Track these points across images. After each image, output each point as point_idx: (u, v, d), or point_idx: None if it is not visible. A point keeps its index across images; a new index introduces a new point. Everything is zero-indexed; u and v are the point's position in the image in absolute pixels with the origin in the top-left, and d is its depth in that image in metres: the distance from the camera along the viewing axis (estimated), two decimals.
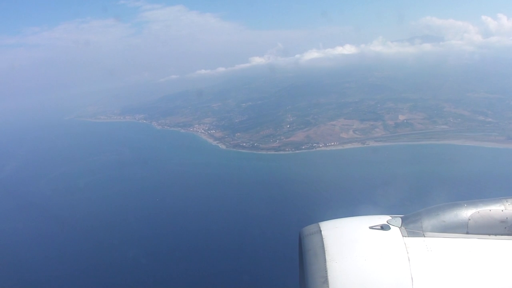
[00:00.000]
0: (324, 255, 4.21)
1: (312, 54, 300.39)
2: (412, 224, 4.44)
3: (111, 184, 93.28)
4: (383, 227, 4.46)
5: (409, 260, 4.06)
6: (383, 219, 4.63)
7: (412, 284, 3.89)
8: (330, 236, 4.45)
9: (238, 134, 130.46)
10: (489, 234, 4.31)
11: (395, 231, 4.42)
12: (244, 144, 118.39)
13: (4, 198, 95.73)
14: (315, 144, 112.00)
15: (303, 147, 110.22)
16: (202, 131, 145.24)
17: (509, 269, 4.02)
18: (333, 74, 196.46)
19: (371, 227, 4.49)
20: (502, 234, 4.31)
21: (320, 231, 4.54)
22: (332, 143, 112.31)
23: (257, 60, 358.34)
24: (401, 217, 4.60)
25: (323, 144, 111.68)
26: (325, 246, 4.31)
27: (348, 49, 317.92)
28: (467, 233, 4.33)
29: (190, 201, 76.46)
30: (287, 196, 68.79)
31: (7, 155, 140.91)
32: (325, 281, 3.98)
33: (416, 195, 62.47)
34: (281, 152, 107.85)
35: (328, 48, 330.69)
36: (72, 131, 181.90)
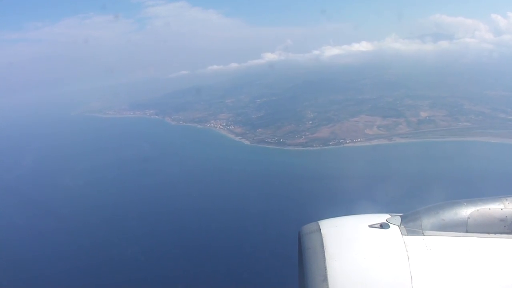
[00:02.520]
0: (324, 254, 4.19)
1: (333, 51, 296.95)
2: (411, 222, 4.43)
3: (142, 178, 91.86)
4: (383, 226, 4.44)
5: (408, 258, 4.06)
6: (382, 217, 4.61)
7: (412, 283, 3.88)
8: (329, 234, 4.43)
9: (260, 129, 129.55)
10: (489, 233, 4.31)
11: (394, 229, 4.41)
12: (269, 139, 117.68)
13: (31, 192, 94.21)
14: (341, 140, 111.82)
15: (331, 143, 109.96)
16: (221, 126, 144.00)
17: (508, 267, 4.01)
18: (346, 71, 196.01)
19: (370, 226, 4.46)
20: (501, 233, 4.30)
21: (320, 229, 4.51)
22: (359, 139, 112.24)
23: (270, 56, 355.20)
24: (400, 216, 4.59)
25: (350, 140, 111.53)
26: (325, 244, 4.28)
27: (364, 46, 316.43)
28: (467, 231, 4.32)
29: (229, 198, 75.04)
30: (332, 193, 67.84)
31: (22, 151, 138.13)
32: (325, 279, 3.97)
33: (465, 191, 62.38)
34: (309, 148, 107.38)
35: (344, 45, 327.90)
36: (83, 126, 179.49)
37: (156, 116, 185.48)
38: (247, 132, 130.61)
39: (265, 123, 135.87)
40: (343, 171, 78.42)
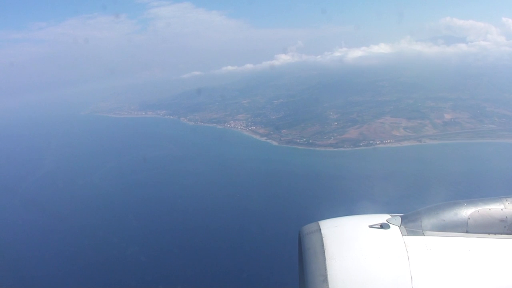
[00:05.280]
0: (324, 254, 4.21)
1: (357, 53, 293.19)
2: (411, 223, 4.46)
3: (179, 179, 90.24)
4: (383, 226, 4.47)
5: (408, 259, 4.08)
6: (382, 218, 4.65)
7: (412, 283, 3.91)
8: (329, 234, 4.46)
9: (284, 130, 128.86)
10: (489, 233, 4.34)
11: (394, 230, 4.43)
12: (298, 140, 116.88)
13: (63, 191, 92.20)
14: (371, 141, 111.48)
15: (361, 144, 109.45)
16: (242, 127, 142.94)
17: (509, 268, 4.04)
18: (361, 72, 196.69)
19: (370, 226, 4.50)
20: (501, 233, 4.33)
21: (320, 229, 4.54)
22: (388, 141, 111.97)
23: (284, 58, 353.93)
24: (400, 216, 4.63)
25: (379, 141, 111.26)
26: (325, 244, 4.31)
27: (383, 48, 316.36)
28: (467, 232, 4.34)
29: (277, 200, 72.84)
30: (384, 193, 66.99)
31: (40, 151, 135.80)
32: (325, 279, 3.99)
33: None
34: (341, 149, 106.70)
35: (363, 47, 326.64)
36: (98, 126, 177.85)
37: (170, 117, 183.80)
38: (272, 132, 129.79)
39: (288, 124, 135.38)
40: (389, 171, 78.09)
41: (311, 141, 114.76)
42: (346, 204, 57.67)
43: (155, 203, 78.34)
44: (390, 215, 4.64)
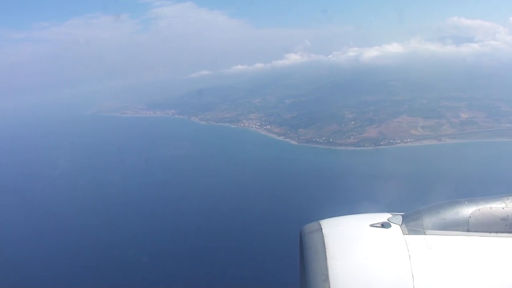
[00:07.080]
0: (325, 253, 4.22)
1: (372, 52, 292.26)
2: (412, 222, 4.47)
3: (203, 178, 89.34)
4: (384, 225, 4.48)
5: (409, 257, 4.09)
6: (383, 217, 4.66)
7: (413, 282, 3.92)
8: (331, 234, 4.47)
9: (301, 130, 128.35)
10: (490, 232, 4.34)
11: (395, 229, 4.45)
12: (317, 139, 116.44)
13: (90, 191, 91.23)
14: (391, 140, 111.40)
15: (382, 143, 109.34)
16: (256, 126, 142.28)
17: (510, 266, 4.04)
18: (370, 72, 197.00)
19: (371, 225, 4.51)
20: (503, 232, 4.33)
21: (321, 229, 4.55)
22: (408, 140, 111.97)
23: (294, 57, 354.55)
24: (401, 215, 4.64)
25: (400, 141, 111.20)
26: (326, 244, 4.32)
27: (395, 48, 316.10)
28: (468, 230, 4.35)
29: (310, 200, 72.01)
30: (421, 191, 66.62)
31: (53, 151, 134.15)
32: (326, 279, 4.00)
33: None
34: (363, 148, 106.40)
35: (376, 46, 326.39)
36: (107, 125, 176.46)
37: (180, 116, 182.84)
38: (288, 132, 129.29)
39: (304, 123, 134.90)
40: (420, 170, 77.92)
41: (331, 140, 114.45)
42: (383, 203, 57.30)
43: (183, 203, 77.66)
44: (391, 214, 4.62)
